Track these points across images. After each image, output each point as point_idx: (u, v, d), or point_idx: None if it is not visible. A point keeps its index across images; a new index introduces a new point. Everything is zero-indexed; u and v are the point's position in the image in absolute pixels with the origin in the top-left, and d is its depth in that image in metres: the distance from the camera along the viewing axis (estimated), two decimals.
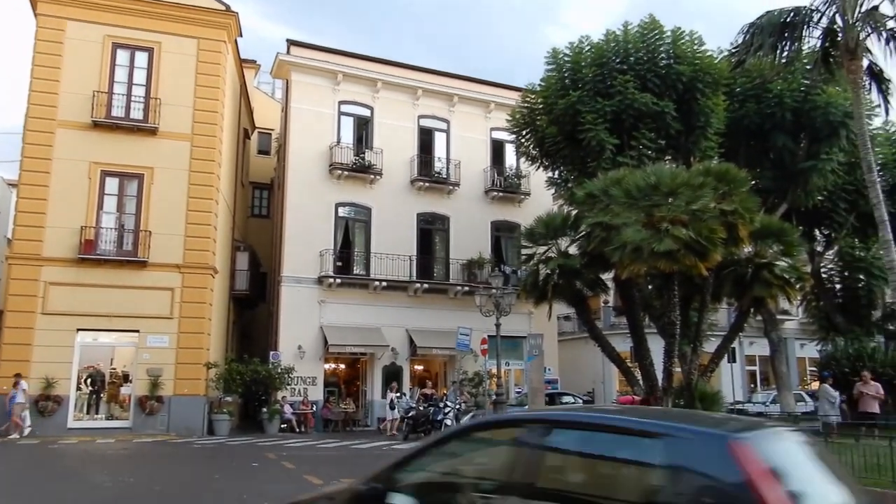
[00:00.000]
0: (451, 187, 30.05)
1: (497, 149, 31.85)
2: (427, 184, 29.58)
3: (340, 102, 29.01)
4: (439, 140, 30.76)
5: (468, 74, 32.10)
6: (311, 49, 29.16)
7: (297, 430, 24.84)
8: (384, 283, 27.70)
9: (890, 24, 14.24)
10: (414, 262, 28.71)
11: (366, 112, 29.53)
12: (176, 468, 15.42)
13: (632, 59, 21.86)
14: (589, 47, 22.75)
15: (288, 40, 28.78)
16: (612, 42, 22.27)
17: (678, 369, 20.05)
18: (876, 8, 13.93)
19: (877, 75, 15.20)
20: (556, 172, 25.42)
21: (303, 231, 27.19)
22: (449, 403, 22.48)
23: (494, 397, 25.54)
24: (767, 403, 29.47)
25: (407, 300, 28.44)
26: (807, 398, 28.90)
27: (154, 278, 22.70)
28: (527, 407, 22.14)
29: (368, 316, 27.46)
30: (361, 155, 28.66)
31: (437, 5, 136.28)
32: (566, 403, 25.90)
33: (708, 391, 19.79)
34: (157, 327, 22.55)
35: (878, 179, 23.86)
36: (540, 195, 29.58)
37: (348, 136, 28.98)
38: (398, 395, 24.90)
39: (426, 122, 30.62)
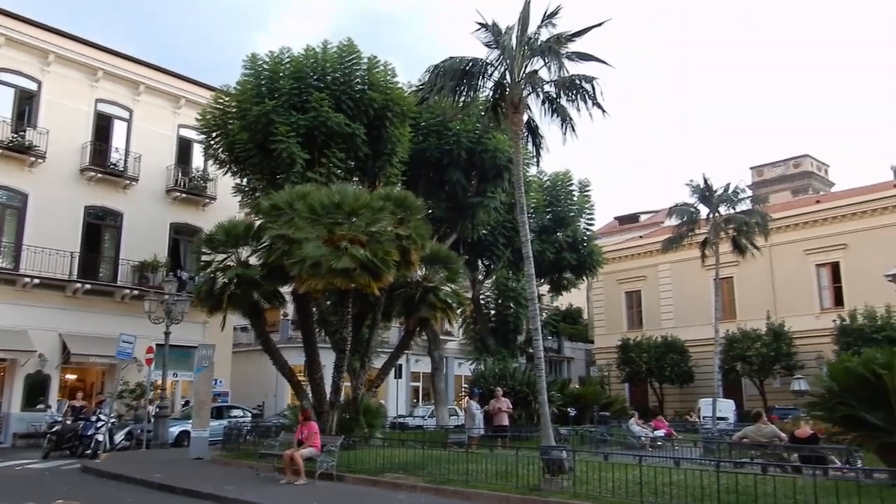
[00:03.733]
0: (128, 182, 27.74)
1: (184, 147, 30.21)
2: (100, 175, 26.94)
3: None
4: (119, 129, 28.26)
5: (160, 64, 29.97)
6: None
7: None
8: (36, 281, 24.49)
9: (547, 87, 16.43)
10: (76, 259, 25.85)
11: (31, 85, 26.02)
12: None
13: (329, 78, 22.34)
14: (288, 59, 22.74)
15: None
16: (311, 58, 22.55)
17: (348, 384, 20.78)
18: (536, 72, 16.00)
19: (534, 130, 17.32)
20: (245, 180, 24.84)
21: None
22: (102, 417, 20.49)
23: (157, 410, 23.99)
24: (426, 417, 31.80)
25: (63, 301, 25.47)
26: (459, 412, 31.76)
27: None
28: (191, 421, 21.09)
29: (13, 317, 24.00)
30: (22, 133, 25.18)
31: None
32: (234, 417, 25.22)
33: (372, 405, 20.77)
34: None
35: (529, 221, 27.37)
36: (226, 201, 28.66)
37: (6, 110, 25.24)
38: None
39: (105, 108, 27.95)
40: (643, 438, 22.54)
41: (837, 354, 25.62)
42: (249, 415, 27.23)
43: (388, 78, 23.31)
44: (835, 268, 38.04)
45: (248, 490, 13.32)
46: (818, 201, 42.52)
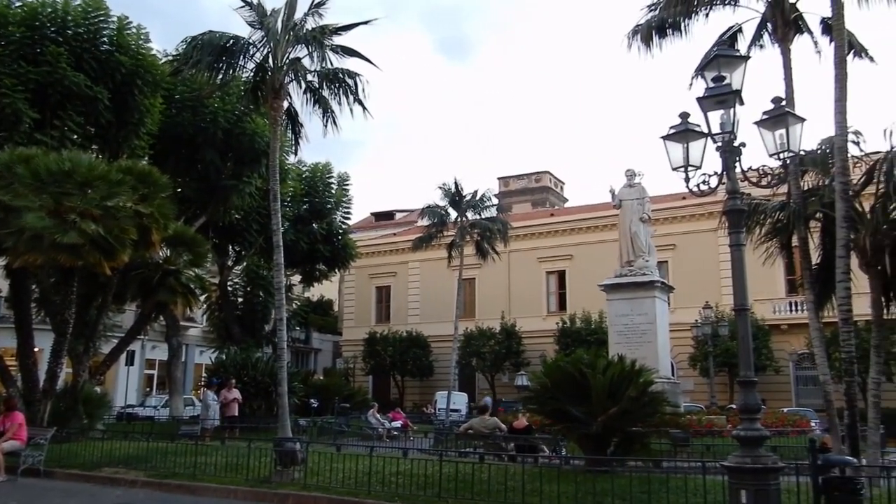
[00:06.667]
0: None
1: None
2: None
3: None
4: None
5: None
6: None
7: None
8: None
9: (310, 77, 16.33)
10: None
11: None
12: None
13: (70, 32, 20.09)
14: (20, 4, 20.14)
15: None
16: (50, 7, 20.17)
17: (69, 370, 18.95)
18: (300, 59, 15.84)
19: (294, 118, 17.12)
20: None
21: None
22: None
23: None
24: (159, 407, 29.99)
25: None
26: (196, 402, 30.36)
27: None
28: None
29: None
30: None
31: None
32: None
33: (94, 394, 19.16)
34: None
35: (285, 210, 26.96)
36: None
37: None
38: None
39: None
40: (380, 429, 23.26)
41: (557, 353, 28.46)
42: None
43: (141, 42, 21.55)
44: (561, 275, 42.28)
45: None
46: (552, 214, 47.06)
